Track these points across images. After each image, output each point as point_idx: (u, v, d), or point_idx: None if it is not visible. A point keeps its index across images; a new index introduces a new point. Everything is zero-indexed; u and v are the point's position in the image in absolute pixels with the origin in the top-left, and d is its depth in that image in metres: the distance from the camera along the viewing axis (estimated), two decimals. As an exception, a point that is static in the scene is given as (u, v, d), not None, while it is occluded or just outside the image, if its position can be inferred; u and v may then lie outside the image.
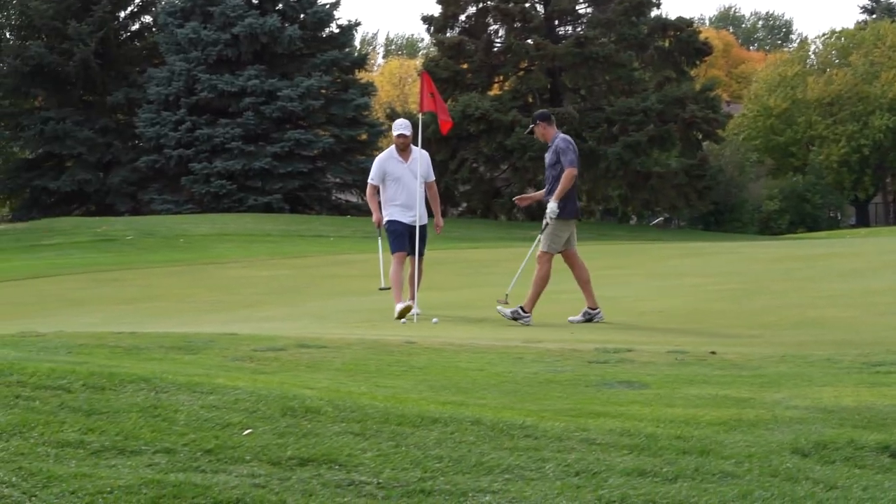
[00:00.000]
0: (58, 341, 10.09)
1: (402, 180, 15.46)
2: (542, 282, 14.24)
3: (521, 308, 13.99)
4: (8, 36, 69.84)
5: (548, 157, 14.80)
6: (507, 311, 14.02)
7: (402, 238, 15.41)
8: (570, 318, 14.31)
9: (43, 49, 60.93)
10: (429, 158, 15.86)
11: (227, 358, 9.53)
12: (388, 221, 15.45)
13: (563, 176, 14.43)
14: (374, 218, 15.56)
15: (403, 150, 15.52)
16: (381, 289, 15.45)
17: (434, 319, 14.31)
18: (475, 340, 11.34)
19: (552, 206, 14.46)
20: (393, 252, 15.37)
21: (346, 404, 6.21)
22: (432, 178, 15.92)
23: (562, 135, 14.73)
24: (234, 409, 5.88)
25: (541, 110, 16.04)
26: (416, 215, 15.50)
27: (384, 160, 15.62)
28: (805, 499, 4.93)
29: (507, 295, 14.63)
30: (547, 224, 14.63)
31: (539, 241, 14.76)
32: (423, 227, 15.59)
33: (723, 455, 5.61)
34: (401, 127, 15.73)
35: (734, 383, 8.36)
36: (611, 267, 23.73)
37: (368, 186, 15.79)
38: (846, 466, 5.55)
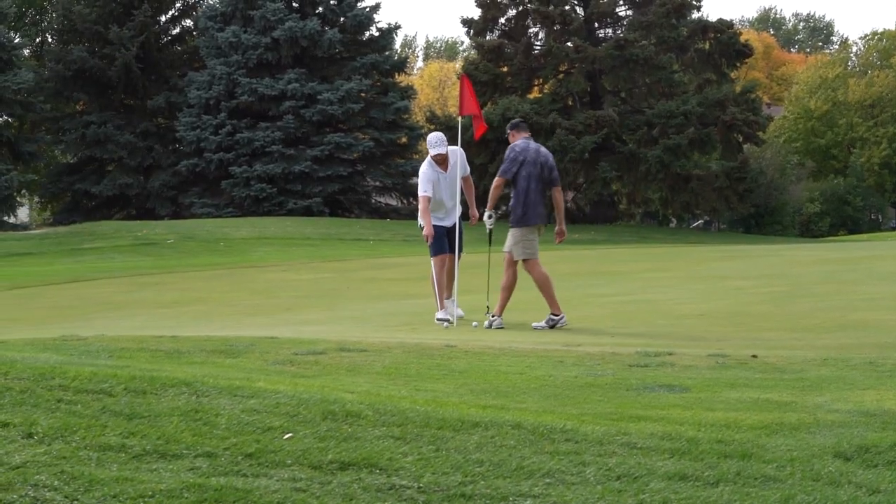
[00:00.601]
0: (99, 345, 10.13)
1: (444, 192, 15.43)
2: (546, 282, 14.19)
3: (552, 315, 13.94)
4: (50, 40, 70.47)
5: None
6: (541, 323, 13.94)
7: (442, 240, 15.38)
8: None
9: (85, 53, 61.39)
10: (464, 155, 15.71)
11: (268, 362, 9.55)
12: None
13: (493, 184, 14.59)
14: (427, 231, 15.25)
15: (442, 163, 15.42)
16: (438, 318, 14.99)
17: (474, 323, 14.30)
18: (515, 344, 11.32)
19: (486, 215, 15.23)
20: (434, 255, 15.33)
21: (387, 408, 6.22)
22: (468, 171, 15.83)
23: (518, 141, 14.59)
24: (274, 413, 5.89)
25: (513, 119, 16.06)
26: (455, 219, 15.50)
27: (430, 174, 15.37)
28: (848, 503, 4.91)
29: (488, 307, 14.67)
30: (490, 232, 15.38)
31: (489, 250, 15.38)
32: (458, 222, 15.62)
33: (764, 459, 5.59)
34: (437, 146, 15.39)
35: (776, 387, 8.31)
36: (651, 269, 23.68)
37: (422, 200, 15.32)
38: (889, 470, 5.52)
